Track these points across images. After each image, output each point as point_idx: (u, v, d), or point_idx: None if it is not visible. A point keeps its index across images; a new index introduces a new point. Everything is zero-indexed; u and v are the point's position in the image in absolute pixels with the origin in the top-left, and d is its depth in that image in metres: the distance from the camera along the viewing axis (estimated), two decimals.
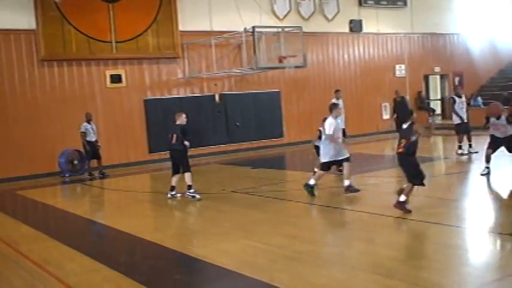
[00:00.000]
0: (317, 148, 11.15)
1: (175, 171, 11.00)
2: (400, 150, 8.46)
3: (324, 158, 10.30)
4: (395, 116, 18.83)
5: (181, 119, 10.93)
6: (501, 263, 6.14)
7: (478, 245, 6.95)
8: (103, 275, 6.57)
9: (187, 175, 10.78)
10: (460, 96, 14.86)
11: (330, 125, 10.06)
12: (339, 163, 10.56)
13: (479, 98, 24.08)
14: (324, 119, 10.51)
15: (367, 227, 8.00)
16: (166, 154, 12.56)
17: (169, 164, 11.61)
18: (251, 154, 19.06)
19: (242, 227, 8.50)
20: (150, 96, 18.31)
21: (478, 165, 12.09)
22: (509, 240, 6.90)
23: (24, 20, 16.14)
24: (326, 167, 10.35)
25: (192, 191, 10.78)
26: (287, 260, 6.59)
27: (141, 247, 7.97)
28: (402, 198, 8.28)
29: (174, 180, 11.03)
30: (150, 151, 17.93)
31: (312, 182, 10.30)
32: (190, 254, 7.16)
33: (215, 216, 9.52)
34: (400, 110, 17.88)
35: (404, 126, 8.60)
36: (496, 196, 10.13)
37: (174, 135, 10.80)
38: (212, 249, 7.31)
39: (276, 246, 7.24)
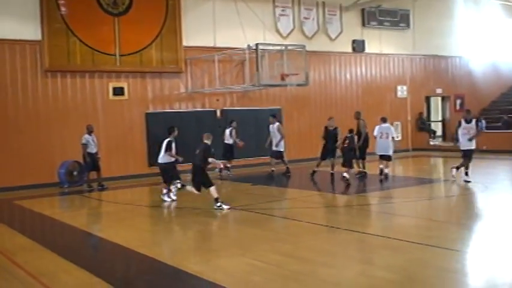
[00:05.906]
0: None
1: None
2: None
3: None
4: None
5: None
6: None
7: None
8: None
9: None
10: (468, 122, 14.00)
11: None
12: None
13: (483, 121, 23.87)
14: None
15: (367, 248, 7.96)
16: None
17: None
18: (249, 170, 19.05)
19: (239, 244, 8.46)
20: (151, 110, 18.37)
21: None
22: None
23: (31, 30, 16.25)
24: None
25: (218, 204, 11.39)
26: (284, 280, 6.56)
27: (137, 262, 7.92)
28: None
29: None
30: (150, 164, 17.92)
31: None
32: (187, 270, 7.12)
33: (213, 232, 9.50)
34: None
35: None
36: None
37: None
38: (209, 266, 7.29)
39: (274, 264, 7.21)
